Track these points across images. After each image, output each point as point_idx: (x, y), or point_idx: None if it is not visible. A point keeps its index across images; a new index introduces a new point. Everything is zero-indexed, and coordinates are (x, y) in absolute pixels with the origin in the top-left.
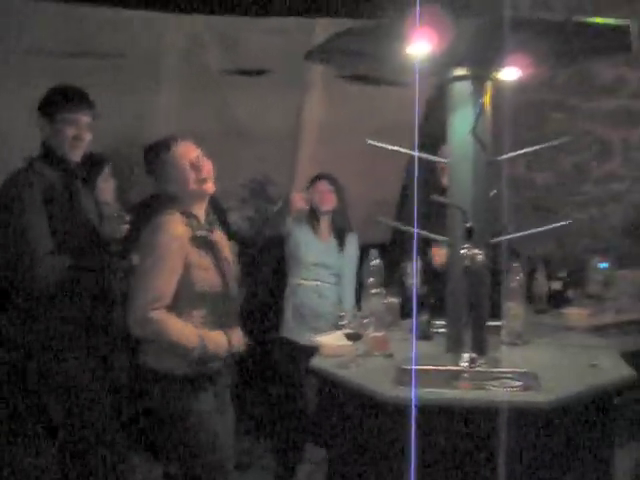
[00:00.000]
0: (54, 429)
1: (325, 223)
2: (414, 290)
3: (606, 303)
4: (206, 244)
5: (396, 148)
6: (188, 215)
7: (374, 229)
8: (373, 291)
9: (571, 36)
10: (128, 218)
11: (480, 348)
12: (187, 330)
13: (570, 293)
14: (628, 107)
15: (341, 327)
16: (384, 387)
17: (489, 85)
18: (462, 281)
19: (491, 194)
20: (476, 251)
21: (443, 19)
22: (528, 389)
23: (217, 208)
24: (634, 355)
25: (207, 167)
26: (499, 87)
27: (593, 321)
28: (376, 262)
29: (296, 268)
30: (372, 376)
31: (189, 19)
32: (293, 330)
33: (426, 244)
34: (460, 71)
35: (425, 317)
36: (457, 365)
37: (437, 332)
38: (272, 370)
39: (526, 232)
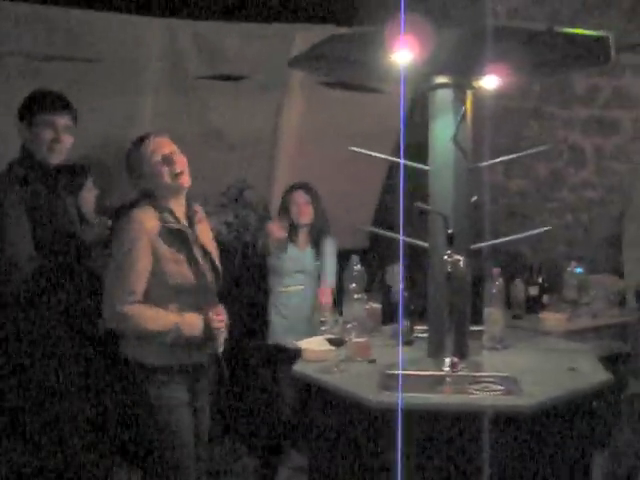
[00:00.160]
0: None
1: (304, 235)
2: (400, 295)
3: (581, 308)
4: (178, 237)
5: (378, 154)
6: (162, 209)
7: (353, 235)
8: (355, 297)
9: (552, 46)
10: (110, 223)
11: (461, 353)
12: (161, 316)
13: (546, 298)
14: (601, 116)
15: (323, 332)
16: (370, 392)
17: (469, 93)
18: (443, 286)
19: (472, 201)
20: (457, 257)
21: (426, 27)
22: (509, 393)
23: None
24: (610, 359)
25: (181, 161)
26: (478, 95)
27: (569, 326)
28: (358, 268)
29: (278, 276)
30: (357, 381)
31: (169, 23)
32: (276, 335)
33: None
34: (441, 79)
35: (406, 323)
36: (439, 370)
37: (418, 337)
38: (254, 375)
39: (506, 238)
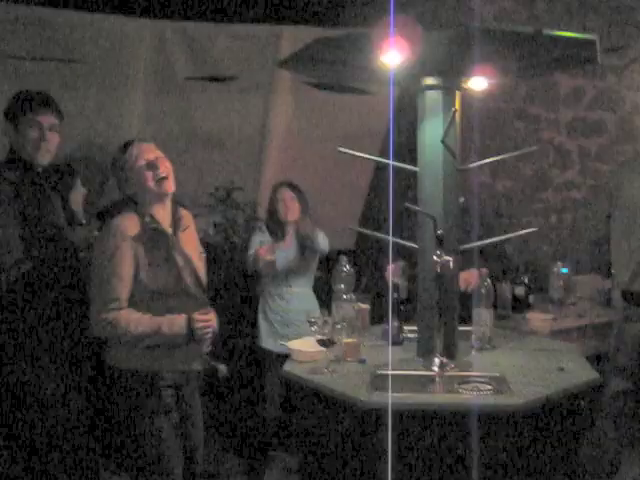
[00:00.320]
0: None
1: (290, 232)
2: (390, 295)
3: (567, 308)
4: (158, 242)
5: (366, 156)
6: (144, 216)
7: (339, 235)
8: (344, 297)
9: (540, 48)
10: (98, 225)
11: (450, 353)
12: (145, 319)
13: (531, 298)
14: (585, 118)
15: (313, 333)
16: (361, 392)
17: (458, 94)
18: (433, 287)
19: (460, 201)
20: (446, 258)
21: (415, 29)
22: (499, 393)
23: None
24: (596, 359)
25: (166, 166)
26: (465, 96)
27: (555, 325)
28: (347, 268)
29: (266, 277)
30: (347, 382)
31: (156, 24)
32: (266, 337)
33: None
34: (430, 81)
35: (395, 323)
36: (429, 370)
37: (407, 337)
38: (245, 377)
39: (494, 239)
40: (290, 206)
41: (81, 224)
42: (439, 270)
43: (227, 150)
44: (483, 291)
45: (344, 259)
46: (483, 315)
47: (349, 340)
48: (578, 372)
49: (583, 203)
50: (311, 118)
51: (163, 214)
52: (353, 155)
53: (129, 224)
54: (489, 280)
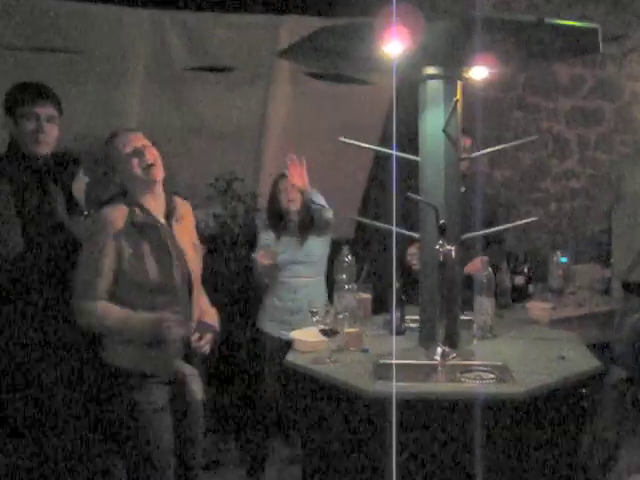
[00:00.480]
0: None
1: (293, 222)
2: (393, 285)
3: (566, 297)
4: (147, 233)
5: (368, 146)
6: (133, 205)
7: (339, 225)
8: (346, 287)
9: (542, 37)
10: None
11: (452, 342)
12: (119, 313)
13: (531, 288)
14: (584, 107)
15: (316, 323)
16: (363, 382)
17: (459, 84)
18: (435, 277)
19: (461, 191)
20: (448, 247)
21: (417, 18)
22: (502, 381)
23: None
24: (596, 347)
25: (153, 154)
26: (465, 85)
27: (555, 315)
28: (348, 258)
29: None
30: (350, 371)
31: (155, 14)
32: (269, 326)
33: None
34: (432, 70)
35: (397, 312)
36: (431, 359)
37: (409, 327)
38: (246, 366)
39: (495, 228)
40: (292, 196)
41: (83, 214)
42: (441, 259)
43: (226, 141)
44: (484, 280)
45: (346, 249)
46: (484, 304)
47: (351, 330)
48: (579, 360)
49: (583, 192)
50: (311, 108)
51: (155, 204)
52: (353, 145)
53: (117, 215)
54: (490, 269)
